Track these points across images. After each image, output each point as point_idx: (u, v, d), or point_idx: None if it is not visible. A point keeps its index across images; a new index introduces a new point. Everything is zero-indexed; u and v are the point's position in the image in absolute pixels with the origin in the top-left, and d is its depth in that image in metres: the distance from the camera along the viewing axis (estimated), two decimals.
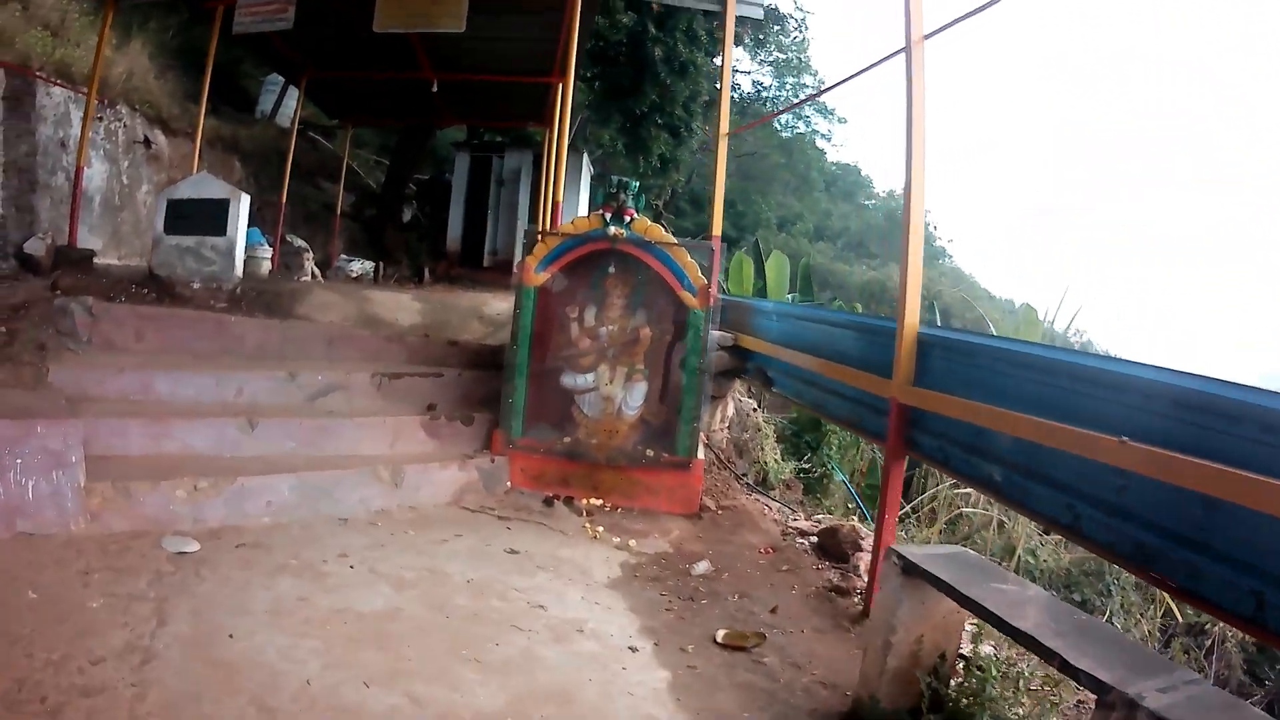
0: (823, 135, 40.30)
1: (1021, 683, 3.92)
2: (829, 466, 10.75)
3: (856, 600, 5.76)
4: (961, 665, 4.18)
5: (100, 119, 11.27)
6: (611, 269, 7.26)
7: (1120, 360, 3.95)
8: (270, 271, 10.98)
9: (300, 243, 13.28)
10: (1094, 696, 2.95)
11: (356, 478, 6.10)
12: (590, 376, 7.28)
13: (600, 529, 6.53)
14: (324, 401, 6.92)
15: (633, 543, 6.34)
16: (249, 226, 9.00)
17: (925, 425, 5.28)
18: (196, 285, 8.25)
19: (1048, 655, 3.16)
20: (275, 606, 4.35)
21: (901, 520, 9.83)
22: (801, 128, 39.11)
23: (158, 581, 4.43)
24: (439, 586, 4.98)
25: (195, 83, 11.01)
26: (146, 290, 8.12)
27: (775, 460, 9.92)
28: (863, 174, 51.01)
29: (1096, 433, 3.63)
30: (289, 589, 4.59)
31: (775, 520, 7.67)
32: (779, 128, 37.97)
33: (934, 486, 10.30)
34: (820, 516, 8.50)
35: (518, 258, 15.14)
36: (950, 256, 52.55)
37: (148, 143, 11.88)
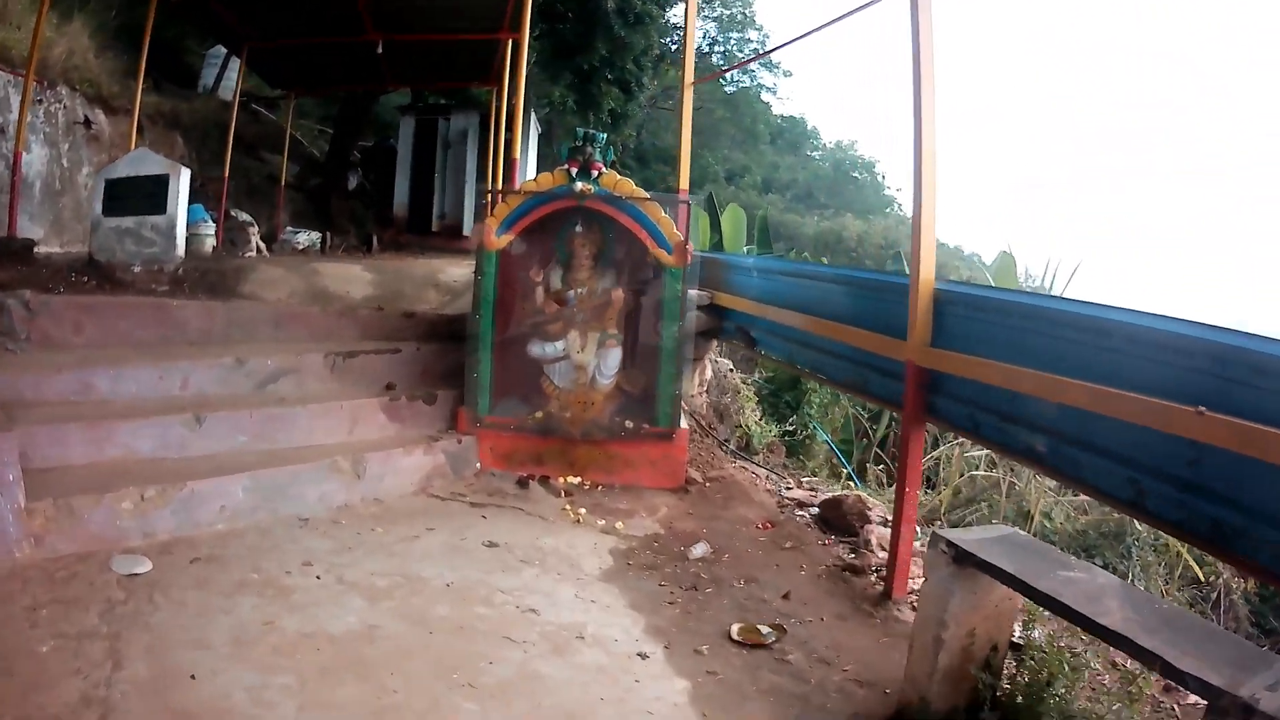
0: (768, 89, 39.83)
1: (1086, 672, 3.49)
2: (811, 427, 10.32)
3: (874, 579, 5.39)
4: (1012, 654, 3.77)
5: (40, 101, 10.51)
6: (578, 227, 6.76)
7: (1186, 321, 3.47)
8: (215, 249, 10.36)
9: (245, 217, 12.66)
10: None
11: (315, 472, 5.61)
12: (560, 344, 6.81)
13: (582, 511, 6.09)
14: (275, 388, 6.42)
15: (619, 525, 5.91)
16: (191, 203, 8.67)
17: (948, 389, 4.87)
18: (137, 269, 7.66)
19: (1146, 658, 2.78)
20: (238, 634, 3.85)
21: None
22: (747, 82, 38.55)
23: (110, 613, 3.93)
24: (416, 595, 4.50)
25: (137, 60, 10.28)
26: (87, 278, 7.49)
27: (757, 424, 9.46)
28: (809, 126, 50.41)
29: (1166, 401, 3.21)
30: (251, 611, 4.09)
31: (768, 491, 7.26)
32: (724, 82, 37.38)
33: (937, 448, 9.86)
34: (811, 481, 8.09)
35: (467, 221, 14.84)
36: (900, 205, 52.39)
37: (88, 123, 11.15)
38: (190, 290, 7.66)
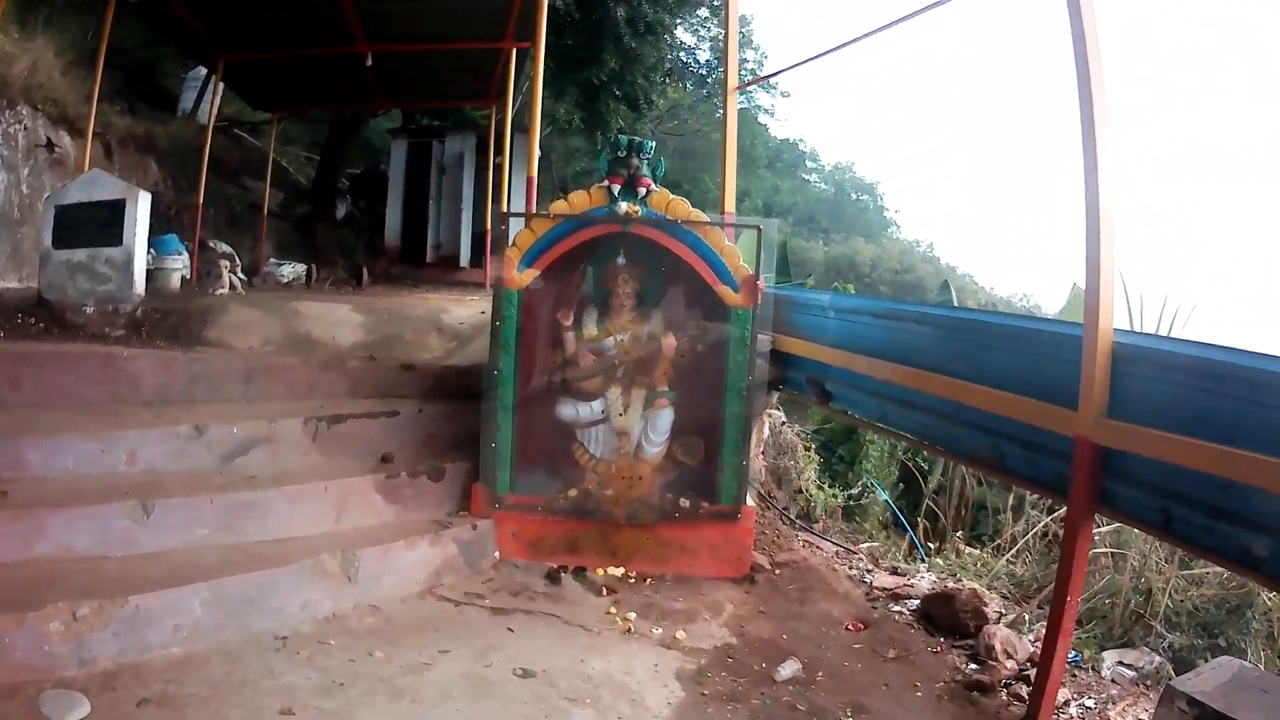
0: (766, 110, 38.80)
1: None
2: (869, 485, 9.13)
3: (1006, 698, 4.44)
4: None
5: None
6: (621, 259, 5.66)
7: None
8: (187, 283, 9.42)
9: (224, 248, 11.69)
10: None
11: (294, 576, 4.50)
12: (597, 405, 5.71)
13: (632, 615, 4.99)
14: (243, 463, 5.32)
15: (680, 634, 4.84)
16: (164, 233, 8.17)
17: (1129, 472, 3.87)
18: (90, 309, 6.78)
19: None
20: None
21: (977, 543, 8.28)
22: (745, 103, 37.57)
23: None
24: None
25: (109, 81, 9.72)
26: (34, 320, 6.74)
27: (819, 488, 8.26)
28: (807, 148, 49.69)
29: None
30: None
31: (850, 578, 6.15)
32: (720, 105, 36.28)
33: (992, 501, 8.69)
34: (897, 564, 6.90)
35: (464, 251, 14.09)
36: (899, 227, 51.50)
37: (51, 146, 10.04)
38: (149, 336, 6.76)
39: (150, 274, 7.79)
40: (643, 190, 5.49)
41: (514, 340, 5.47)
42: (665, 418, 5.66)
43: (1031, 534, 7.90)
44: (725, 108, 7.55)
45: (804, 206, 45.47)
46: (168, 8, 10.06)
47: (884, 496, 9.17)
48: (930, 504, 10.13)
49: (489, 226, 12.52)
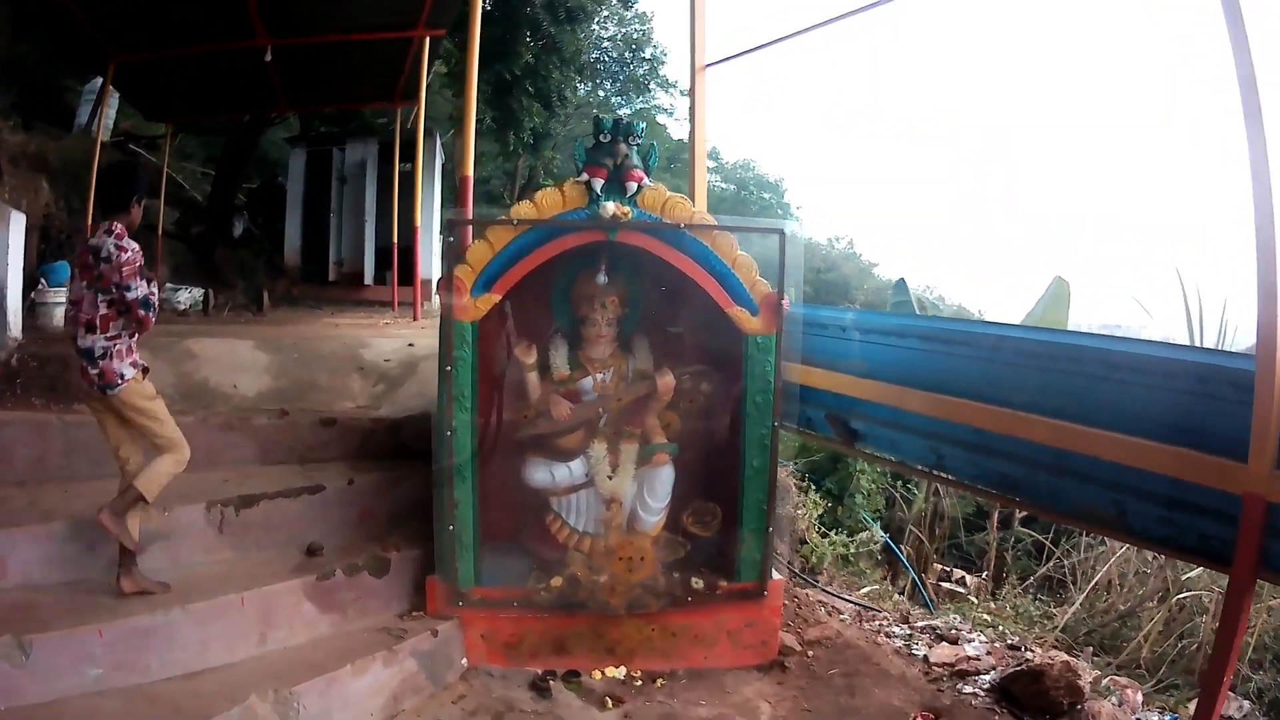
0: (664, 110, 37.55)
1: None
2: (863, 521, 8.07)
3: None
4: None
5: None
6: (601, 276, 4.53)
7: None
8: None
9: None
10: None
11: None
12: (577, 465, 4.57)
13: None
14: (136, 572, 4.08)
15: None
16: (53, 260, 7.35)
17: None
18: None
19: None
20: None
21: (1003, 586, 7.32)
22: (643, 103, 36.24)
23: None
24: None
25: (4, 96, 9.13)
26: None
27: (821, 535, 7.18)
28: (709, 147, 48.77)
29: None
30: None
31: (896, 651, 5.16)
32: (619, 103, 34.92)
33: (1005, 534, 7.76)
34: (938, 623, 5.86)
35: (368, 268, 13.36)
36: (801, 224, 50.87)
37: None
38: (23, 391, 5.56)
39: (33, 309, 6.98)
40: (633, 186, 4.35)
41: (470, 390, 4.31)
42: (665, 477, 4.57)
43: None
44: (693, 90, 6.42)
45: (711, 207, 44.73)
46: (66, 10, 8.86)
47: (881, 536, 8.12)
48: (912, 529, 9.14)
49: (395, 240, 11.39)
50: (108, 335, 3.96)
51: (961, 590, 7.82)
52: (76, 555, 4.07)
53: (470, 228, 4.70)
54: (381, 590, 4.35)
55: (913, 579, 7.63)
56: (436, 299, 10.30)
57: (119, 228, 3.92)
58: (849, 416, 5.19)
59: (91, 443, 4.67)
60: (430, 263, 11.97)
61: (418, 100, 10.47)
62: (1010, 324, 4.81)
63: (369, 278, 13.15)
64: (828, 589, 6.39)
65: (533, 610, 4.38)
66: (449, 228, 4.49)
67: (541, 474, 4.48)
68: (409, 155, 10.77)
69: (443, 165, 14.73)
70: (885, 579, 7.80)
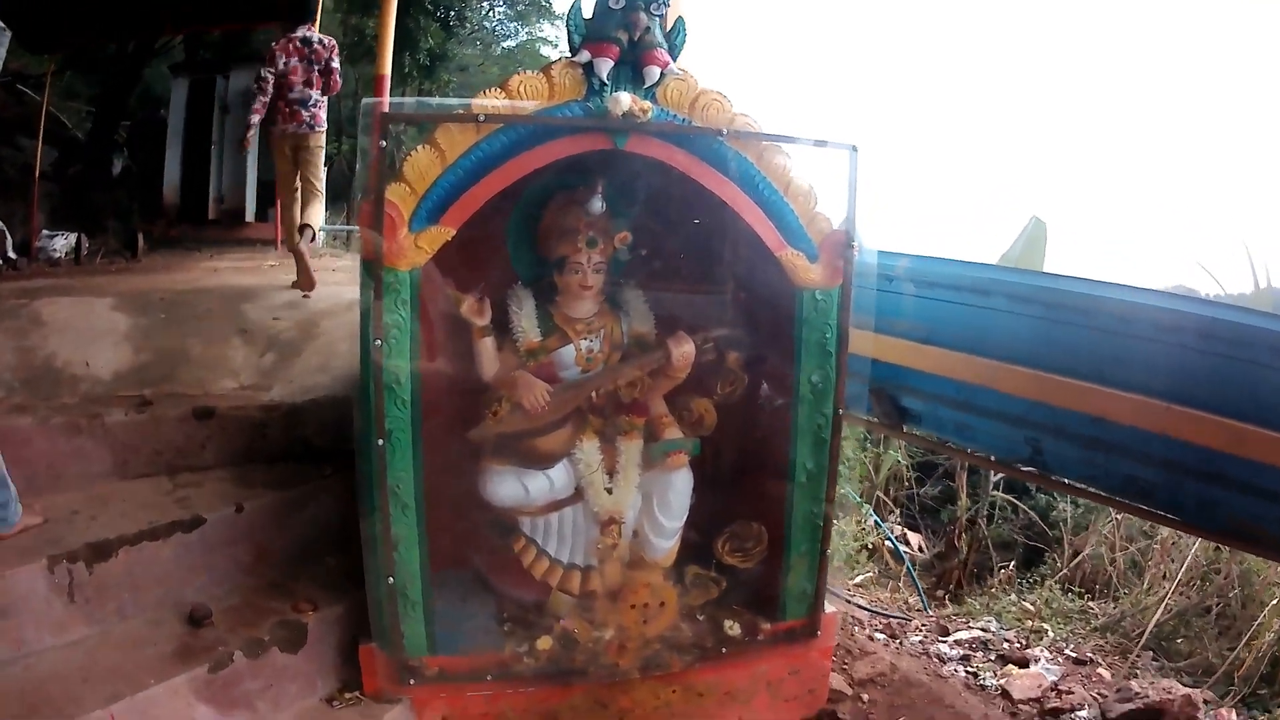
0: (549, 42, 34.47)
1: None
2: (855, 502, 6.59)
3: None
4: None
5: None
6: (598, 201, 2.87)
7: None
8: None
9: None
10: None
11: None
12: (558, 473, 2.95)
13: None
14: None
15: None
16: None
17: None
18: None
19: None
20: None
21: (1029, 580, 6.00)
22: (527, 36, 33.00)
23: None
24: None
25: None
26: None
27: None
28: None
29: None
30: None
31: (967, 686, 3.83)
32: (503, 35, 31.55)
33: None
34: (985, 633, 4.50)
35: (250, 204, 11.30)
36: None
37: None
38: None
39: None
40: (653, 73, 2.70)
41: (409, 374, 2.63)
42: (681, 486, 3.03)
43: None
44: None
45: None
46: None
47: (884, 529, 6.62)
48: (881, 496, 7.70)
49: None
50: (319, 94, 5.70)
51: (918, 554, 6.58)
52: None
53: (404, 128, 2.99)
54: (299, 669, 2.73)
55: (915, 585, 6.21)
56: (320, 237, 8.37)
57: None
58: (898, 392, 3.72)
59: None
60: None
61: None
62: (1147, 289, 3.34)
63: (250, 214, 11.37)
64: (851, 599, 4.93)
65: (512, 684, 2.81)
66: (379, 124, 2.71)
67: (509, 488, 2.85)
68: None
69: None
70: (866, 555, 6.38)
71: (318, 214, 5.75)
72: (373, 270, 2.54)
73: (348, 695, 2.76)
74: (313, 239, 5.50)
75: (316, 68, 5.64)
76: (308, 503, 3.14)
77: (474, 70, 21.43)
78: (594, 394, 2.90)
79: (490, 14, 22.50)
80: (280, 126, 5.66)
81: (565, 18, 2.76)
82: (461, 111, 2.59)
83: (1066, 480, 3.63)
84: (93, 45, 13.58)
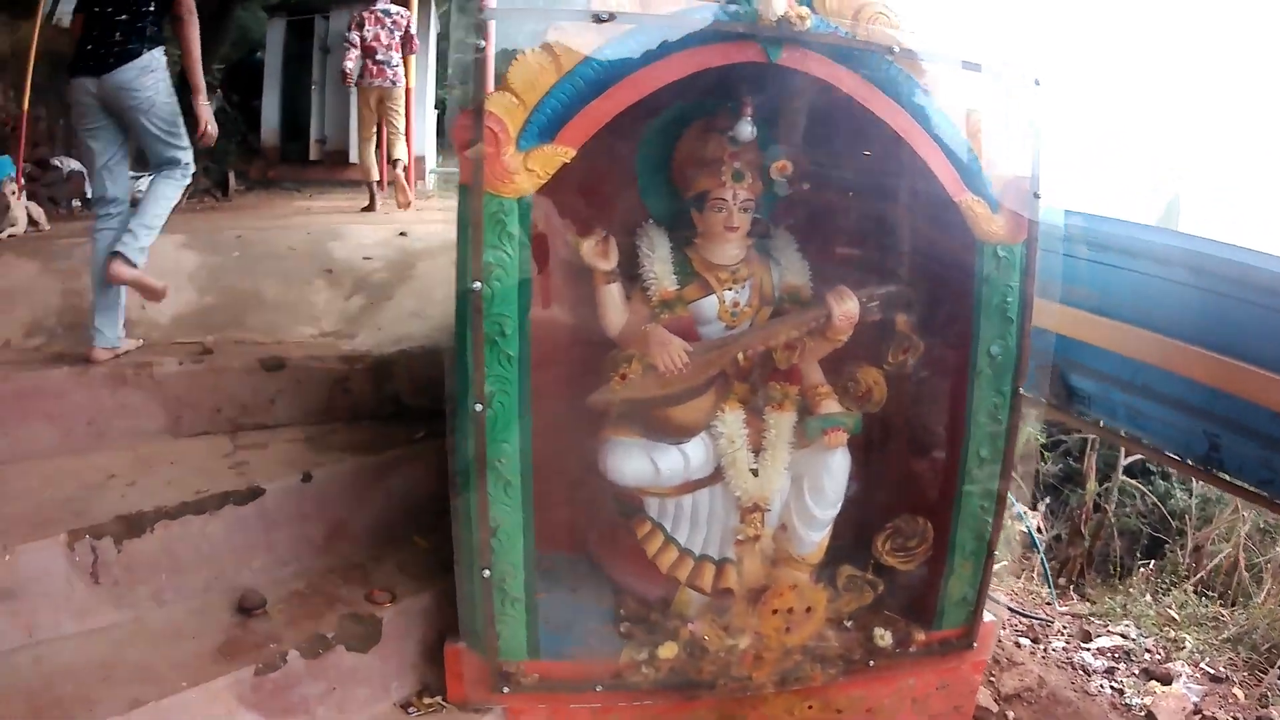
0: None
1: None
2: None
3: None
4: None
5: None
6: (747, 126, 2.24)
7: None
8: None
9: (74, 165, 8.37)
10: None
11: None
12: (694, 448, 2.34)
13: None
14: None
15: None
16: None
17: None
18: None
19: None
20: None
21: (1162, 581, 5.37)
22: None
23: None
24: None
25: None
26: None
27: None
28: None
29: None
30: None
31: (1115, 706, 3.31)
32: None
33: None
34: (1126, 640, 3.95)
35: (354, 145, 9.82)
36: None
37: None
38: None
39: None
40: None
41: (516, 326, 2.06)
42: (838, 469, 2.43)
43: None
44: None
45: None
46: None
47: (1025, 519, 5.99)
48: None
49: None
50: (399, 56, 6.40)
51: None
52: None
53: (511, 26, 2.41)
54: (370, 670, 2.22)
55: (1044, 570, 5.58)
56: (431, 179, 8.04)
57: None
58: (1069, 369, 3.11)
59: None
60: (423, 139, 9.37)
61: None
62: None
63: (354, 155, 10.74)
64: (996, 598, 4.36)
65: (627, 695, 2.28)
66: (481, 20, 2.14)
67: (635, 464, 2.28)
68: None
69: (438, 36, 12.19)
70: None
71: (401, 148, 6.59)
72: (471, 196, 1.97)
73: (427, 701, 2.25)
74: (403, 168, 6.47)
75: (397, 34, 6.27)
76: (392, 472, 2.62)
77: None
78: (741, 356, 2.30)
79: None
80: (367, 80, 6.40)
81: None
82: (593, 10, 2.05)
83: (1246, 485, 3.00)
84: None
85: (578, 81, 1.99)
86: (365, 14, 6.52)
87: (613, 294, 2.21)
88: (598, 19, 1.99)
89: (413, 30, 6.53)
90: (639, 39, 2.02)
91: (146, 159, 3.48)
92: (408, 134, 6.94)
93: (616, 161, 2.27)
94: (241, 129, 12.18)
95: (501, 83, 1.97)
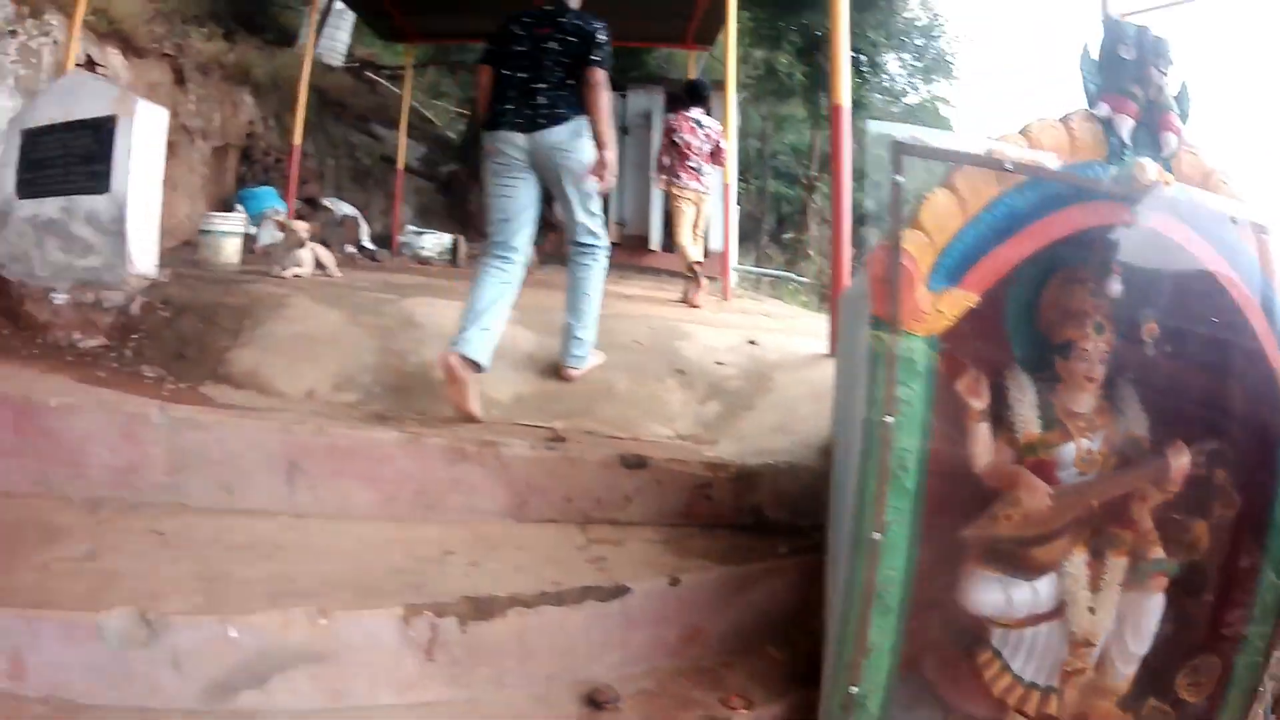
0: (947, 102, 30.14)
1: None
2: None
3: None
4: None
5: (14, 32, 6.50)
6: (1116, 284, 2.30)
7: None
8: (259, 250, 6.47)
9: (346, 209, 8.71)
10: None
11: None
12: (1044, 585, 2.38)
13: None
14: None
15: None
16: (260, 185, 6.61)
17: None
18: (61, 299, 3.92)
19: None
20: None
21: None
22: (926, 95, 28.59)
23: None
24: None
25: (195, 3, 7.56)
26: None
27: None
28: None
29: None
30: None
31: None
32: (907, 90, 27.39)
33: None
34: None
35: (654, 231, 10.54)
36: None
37: (91, 65, 6.85)
38: (136, 355, 3.71)
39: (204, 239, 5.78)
40: (1170, 141, 2.26)
41: (917, 460, 2.14)
42: (1156, 610, 2.47)
43: None
44: None
45: None
46: None
47: None
48: None
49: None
50: (709, 166, 6.63)
51: None
52: (146, 672, 2.05)
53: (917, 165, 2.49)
54: None
55: None
56: (734, 276, 7.95)
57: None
58: None
59: (214, 455, 2.83)
60: (726, 237, 8.71)
61: (723, 38, 7.89)
62: None
63: (654, 242, 10.54)
64: None
65: None
66: (892, 153, 2.24)
67: (993, 596, 2.33)
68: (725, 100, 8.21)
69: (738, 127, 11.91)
70: None
71: (701, 250, 6.83)
72: (884, 332, 2.07)
73: None
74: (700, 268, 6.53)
75: (708, 146, 6.39)
76: (755, 584, 2.64)
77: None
78: (1094, 502, 2.38)
79: (900, 66, 20.30)
80: (681, 183, 6.54)
81: (1078, 62, 2.33)
82: (984, 152, 2.16)
83: None
84: (458, 42, 12.94)
85: (981, 227, 2.11)
86: (680, 119, 6.60)
87: (982, 432, 2.26)
88: (1003, 167, 2.11)
89: (723, 145, 6.61)
90: (1034, 191, 2.15)
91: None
92: (725, 232, 7.25)
93: (991, 303, 2.37)
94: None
95: (913, 221, 2.09)
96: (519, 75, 3.62)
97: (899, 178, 2.10)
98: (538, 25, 3.68)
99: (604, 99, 3.61)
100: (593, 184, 3.65)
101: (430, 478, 2.86)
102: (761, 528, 2.91)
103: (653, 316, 4.95)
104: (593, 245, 3.74)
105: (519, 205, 3.67)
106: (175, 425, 2.87)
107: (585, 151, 3.60)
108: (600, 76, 3.60)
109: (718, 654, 2.52)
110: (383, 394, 3.44)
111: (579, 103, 3.63)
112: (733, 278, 7.77)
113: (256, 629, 2.11)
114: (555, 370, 3.67)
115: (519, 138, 3.56)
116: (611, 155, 3.66)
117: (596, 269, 3.73)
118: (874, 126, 2.22)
